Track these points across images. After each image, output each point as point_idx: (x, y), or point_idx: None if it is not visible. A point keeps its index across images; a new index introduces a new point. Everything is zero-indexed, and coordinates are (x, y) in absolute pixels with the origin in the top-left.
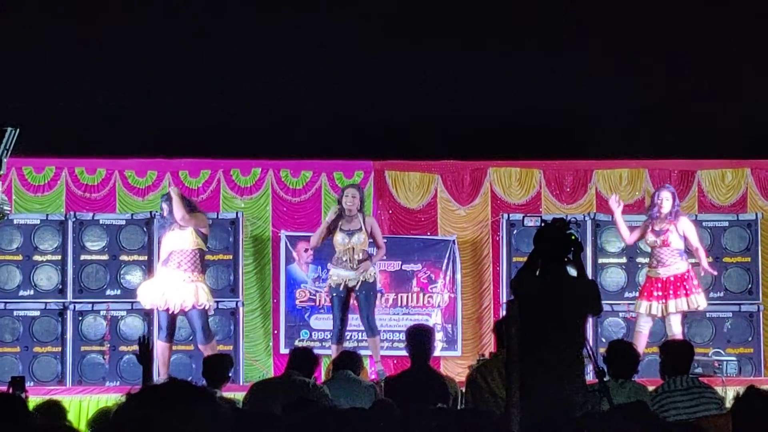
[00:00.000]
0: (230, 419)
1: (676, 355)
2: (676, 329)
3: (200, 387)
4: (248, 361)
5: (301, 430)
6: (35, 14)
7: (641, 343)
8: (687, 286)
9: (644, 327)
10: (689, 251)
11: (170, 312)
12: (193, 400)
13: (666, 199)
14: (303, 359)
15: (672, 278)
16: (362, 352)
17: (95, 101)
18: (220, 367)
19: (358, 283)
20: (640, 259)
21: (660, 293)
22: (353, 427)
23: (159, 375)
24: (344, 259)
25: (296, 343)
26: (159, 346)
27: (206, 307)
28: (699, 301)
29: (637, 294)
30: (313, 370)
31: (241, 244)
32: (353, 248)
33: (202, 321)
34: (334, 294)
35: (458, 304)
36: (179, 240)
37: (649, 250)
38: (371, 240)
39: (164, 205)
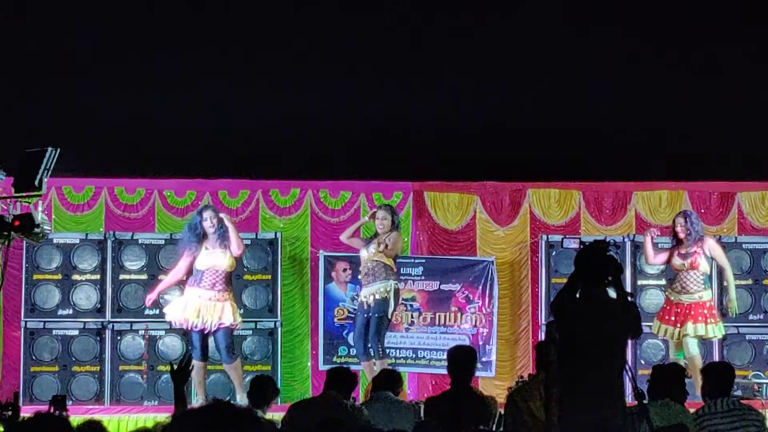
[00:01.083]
0: None
1: (717, 377)
2: (693, 351)
3: (244, 408)
4: (286, 381)
5: None
6: (74, 34)
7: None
8: (707, 314)
9: (674, 352)
10: (717, 273)
11: (205, 332)
12: (237, 423)
13: (679, 224)
14: (341, 379)
15: (693, 305)
16: (401, 369)
17: (135, 121)
18: (264, 388)
19: (372, 298)
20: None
21: (674, 318)
22: None
23: (195, 395)
24: (367, 274)
25: (334, 359)
26: (195, 367)
27: (234, 326)
28: (717, 332)
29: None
30: (351, 389)
31: (279, 265)
32: (369, 259)
33: (228, 340)
34: (358, 312)
35: (494, 325)
36: (216, 259)
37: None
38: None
39: (207, 224)
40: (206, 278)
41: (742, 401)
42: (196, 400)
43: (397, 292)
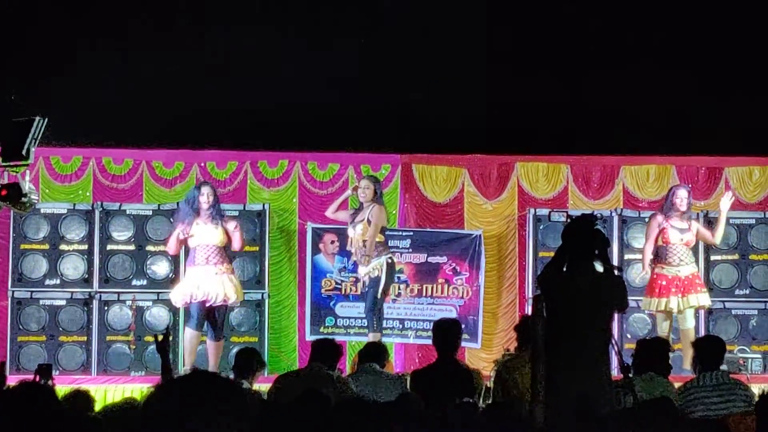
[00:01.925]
0: (255, 410)
1: (707, 351)
2: (690, 323)
3: (224, 378)
4: (273, 352)
5: (325, 422)
6: (62, 7)
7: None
8: (699, 283)
9: (665, 327)
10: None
11: (207, 304)
12: (217, 392)
13: (683, 198)
14: (326, 350)
15: (690, 276)
16: (386, 340)
17: (123, 91)
18: (250, 360)
19: (367, 277)
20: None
21: (677, 289)
22: (375, 419)
23: (185, 363)
24: (357, 256)
25: (321, 330)
26: (188, 334)
27: (232, 303)
28: (707, 300)
29: (646, 292)
30: (336, 360)
31: (267, 236)
32: (357, 240)
33: (222, 318)
34: (364, 290)
35: (481, 297)
36: (207, 234)
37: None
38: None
39: (203, 198)
40: (199, 254)
41: (732, 376)
42: (184, 370)
43: (390, 266)
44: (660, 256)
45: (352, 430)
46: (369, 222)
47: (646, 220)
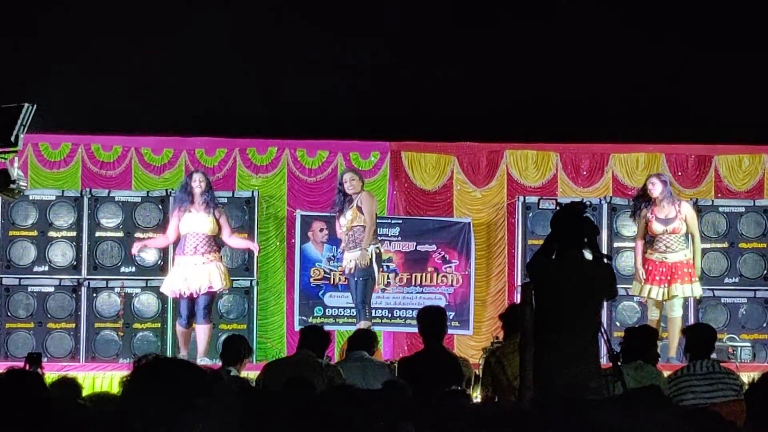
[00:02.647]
0: (231, 397)
1: (697, 339)
2: (677, 312)
3: (191, 363)
4: (261, 339)
5: (311, 410)
6: None
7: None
8: (691, 273)
9: (656, 314)
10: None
11: (193, 297)
12: (179, 376)
13: (652, 183)
14: (314, 337)
15: (678, 264)
16: (376, 328)
17: (112, 78)
18: (237, 347)
19: (356, 262)
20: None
21: (663, 277)
22: (362, 406)
23: (180, 349)
24: (346, 241)
25: (310, 320)
26: (178, 330)
27: (219, 290)
28: (697, 290)
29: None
30: (324, 348)
31: (256, 223)
32: (347, 227)
33: (208, 302)
34: (348, 276)
35: (471, 285)
36: (198, 222)
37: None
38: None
39: (195, 184)
40: (188, 243)
41: (722, 364)
42: (181, 355)
43: (378, 255)
44: (648, 242)
45: (339, 418)
46: (359, 209)
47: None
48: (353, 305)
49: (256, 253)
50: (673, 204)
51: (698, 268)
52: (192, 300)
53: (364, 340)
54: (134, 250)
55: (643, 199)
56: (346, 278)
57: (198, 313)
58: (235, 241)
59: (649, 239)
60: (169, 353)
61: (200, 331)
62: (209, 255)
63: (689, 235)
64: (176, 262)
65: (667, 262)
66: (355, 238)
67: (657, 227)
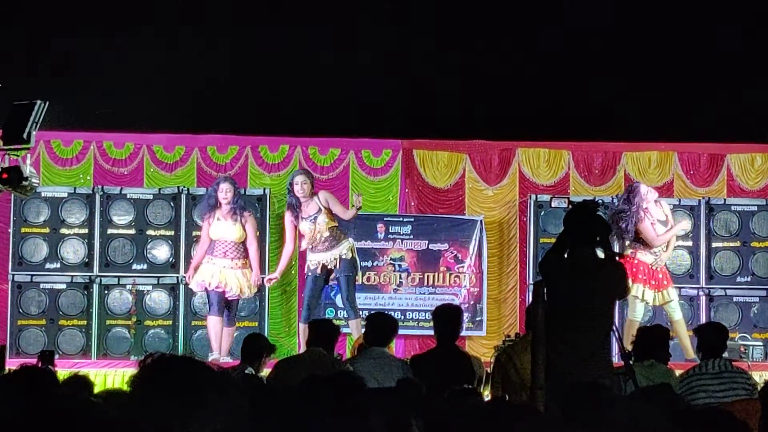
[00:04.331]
0: (238, 396)
1: (709, 338)
2: (679, 314)
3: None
4: (273, 337)
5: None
6: None
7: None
8: (669, 278)
9: (640, 314)
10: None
11: (225, 295)
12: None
13: (643, 197)
14: (324, 332)
15: (663, 268)
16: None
17: (124, 75)
18: (255, 345)
19: (337, 261)
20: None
21: (656, 283)
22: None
23: (212, 350)
24: (318, 243)
25: None
26: (210, 321)
27: (246, 297)
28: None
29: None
30: (334, 342)
31: (267, 221)
32: (321, 231)
33: (235, 306)
34: (309, 274)
35: (484, 284)
36: (226, 230)
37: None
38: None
39: (221, 195)
40: (218, 247)
41: (733, 363)
42: (213, 357)
43: (353, 248)
44: (643, 244)
45: (344, 409)
46: (327, 209)
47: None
48: (306, 305)
49: (267, 285)
50: (658, 205)
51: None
52: (222, 294)
53: (382, 333)
54: (189, 280)
55: (624, 215)
56: (306, 277)
57: (228, 317)
58: (254, 249)
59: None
60: (180, 350)
61: (228, 333)
62: (238, 261)
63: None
64: (206, 261)
65: (656, 269)
66: (334, 237)
67: (660, 229)
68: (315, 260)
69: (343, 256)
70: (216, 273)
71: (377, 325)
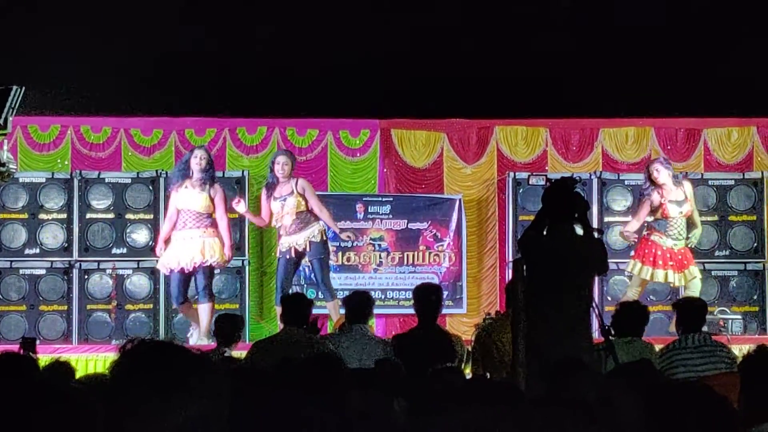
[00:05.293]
0: (221, 382)
1: (688, 312)
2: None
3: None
4: (253, 319)
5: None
6: None
7: None
8: (691, 257)
9: (636, 293)
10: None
11: (185, 272)
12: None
13: (657, 171)
14: (297, 308)
15: (683, 249)
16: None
17: (100, 59)
18: (232, 327)
19: (306, 244)
20: (647, 219)
21: (674, 263)
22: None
23: (191, 330)
24: (285, 225)
25: None
26: (180, 311)
27: (215, 264)
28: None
29: (636, 256)
30: (308, 313)
31: (247, 203)
32: (289, 213)
33: (206, 280)
34: (280, 257)
35: (464, 262)
36: (191, 199)
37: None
38: (308, 202)
39: (195, 161)
40: (182, 217)
41: (713, 337)
42: (190, 334)
43: (324, 231)
44: (659, 226)
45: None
46: (301, 195)
47: (626, 182)
48: (280, 287)
49: (236, 206)
50: (679, 186)
51: (697, 238)
52: (185, 276)
53: (361, 310)
54: (158, 252)
55: (650, 185)
56: (278, 259)
57: (199, 291)
58: (224, 224)
59: (661, 223)
60: (161, 334)
61: (202, 310)
62: (202, 230)
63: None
64: (172, 238)
65: (674, 250)
66: (304, 220)
67: (672, 210)
68: (286, 243)
69: (312, 239)
70: (180, 249)
71: (354, 304)
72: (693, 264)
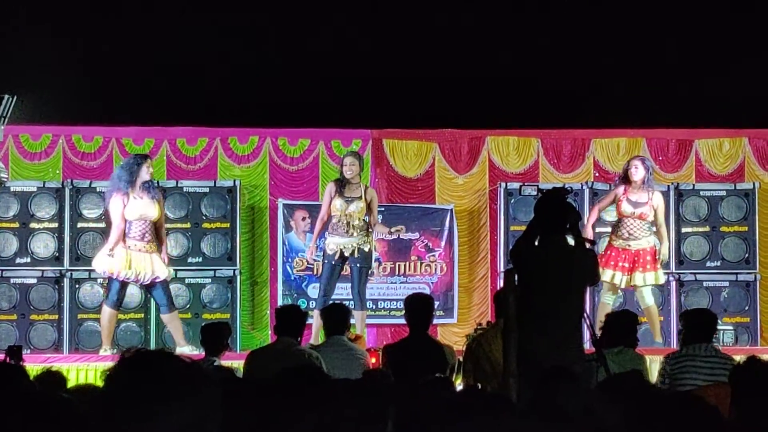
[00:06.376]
0: (214, 391)
1: (699, 324)
2: (649, 301)
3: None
4: (245, 328)
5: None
6: None
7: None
8: (653, 260)
9: (610, 299)
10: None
11: (138, 284)
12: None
13: (635, 167)
14: (291, 320)
15: (641, 251)
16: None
17: (92, 68)
18: (219, 336)
19: (354, 250)
20: (611, 219)
21: (627, 265)
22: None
23: (102, 344)
24: (340, 225)
25: None
26: (105, 313)
27: (168, 279)
28: (661, 278)
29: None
30: (302, 329)
31: (238, 213)
32: (350, 215)
33: (168, 292)
34: (326, 261)
35: (455, 272)
36: (146, 209)
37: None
38: (369, 211)
39: (145, 170)
40: (135, 228)
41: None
42: (104, 350)
43: (373, 244)
44: (614, 227)
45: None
46: (367, 204)
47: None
48: (323, 292)
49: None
50: (647, 191)
51: (665, 255)
52: (125, 284)
53: (336, 321)
54: (105, 254)
55: (621, 180)
56: (323, 263)
57: (162, 304)
58: (163, 234)
59: (614, 223)
60: (153, 343)
61: (171, 320)
62: (152, 244)
63: (655, 225)
64: (121, 245)
65: (630, 250)
66: (358, 228)
67: (626, 208)
68: (332, 243)
69: (361, 246)
70: (131, 258)
71: (329, 315)
72: (656, 270)
